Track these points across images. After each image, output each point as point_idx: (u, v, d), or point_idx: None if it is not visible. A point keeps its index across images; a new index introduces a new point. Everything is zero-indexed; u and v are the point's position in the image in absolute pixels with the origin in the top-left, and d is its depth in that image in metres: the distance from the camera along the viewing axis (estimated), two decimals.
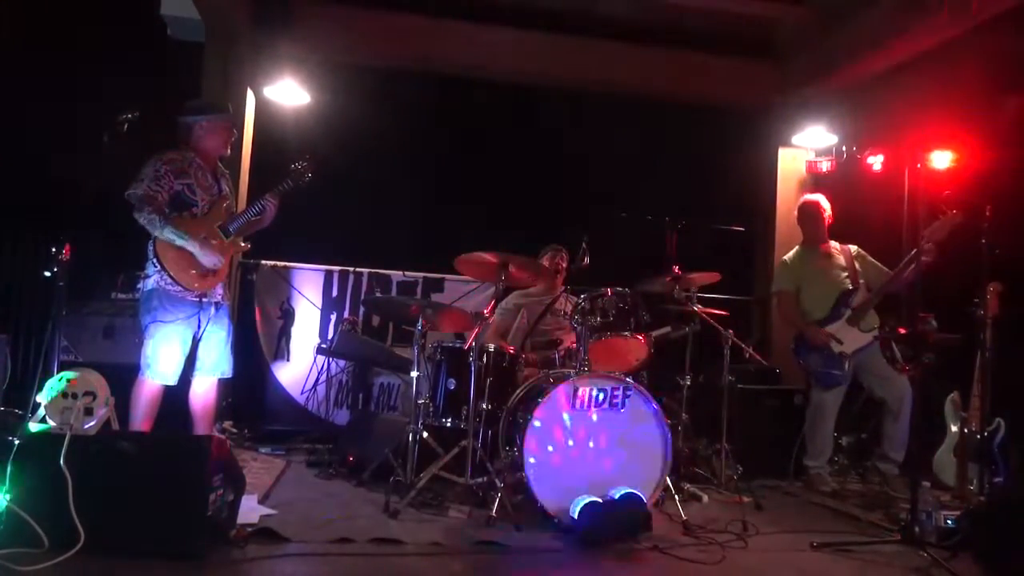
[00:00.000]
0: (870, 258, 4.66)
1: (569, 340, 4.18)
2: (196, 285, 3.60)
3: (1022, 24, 4.42)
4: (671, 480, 3.54)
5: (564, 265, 4.72)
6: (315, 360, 5.47)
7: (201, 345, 3.70)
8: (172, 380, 3.60)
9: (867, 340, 4.44)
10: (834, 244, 4.76)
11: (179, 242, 3.54)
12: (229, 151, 3.89)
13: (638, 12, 5.76)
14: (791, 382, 5.09)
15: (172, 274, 3.54)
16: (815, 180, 6.02)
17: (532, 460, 3.31)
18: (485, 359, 3.82)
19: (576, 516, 3.12)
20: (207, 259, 3.61)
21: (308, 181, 3.88)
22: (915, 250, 3.84)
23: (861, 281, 4.55)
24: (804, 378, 4.72)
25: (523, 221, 6.16)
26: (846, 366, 4.44)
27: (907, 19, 4.74)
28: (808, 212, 4.83)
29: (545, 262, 4.72)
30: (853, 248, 4.71)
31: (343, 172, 5.68)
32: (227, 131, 3.85)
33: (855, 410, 4.91)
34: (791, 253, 4.90)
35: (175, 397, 3.69)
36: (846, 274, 4.60)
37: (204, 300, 3.66)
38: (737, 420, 4.47)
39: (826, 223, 4.76)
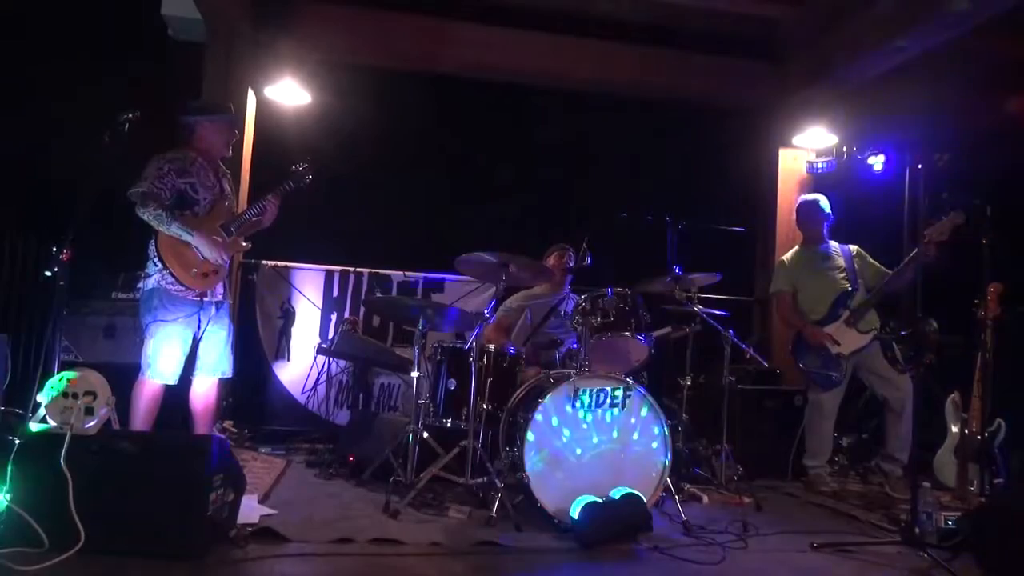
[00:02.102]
0: (869, 258, 4.65)
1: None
2: (197, 284, 3.61)
3: (1021, 25, 4.42)
4: (671, 480, 3.54)
5: (571, 265, 4.71)
6: (315, 360, 5.47)
7: (202, 345, 3.70)
8: (172, 380, 3.60)
9: (865, 341, 4.43)
10: (833, 244, 4.75)
11: (185, 237, 3.55)
12: (230, 152, 3.90)
13: (638, 12, 5.76)
14: (791, 383, 5.08)
15: (174, 273, 3.54)
16: (816, 180, 6.02)
17: (532, 460, 3.31)
18: (485, 359, 3.82)
19: (576, 516, 3.12)
20: (212, 254, 3.61)
21: (308, 182, 3.89)
22: (915, 251, 3.83)
23: (860, 281, 4.54)
24: (803, 379, 4.72)
25: (523, 221, 6.17)
26: (843, 368, 4.43)
27: (907, 19, 4.73)
28: (807, 212, 4.83)
29: (552, 261, 4.73)
30: (853, 248, 4.70)
31: (344, 172, 5.68)
32: (229, 132, 3.86)
33: (856, 410, 4.91)
34: (789, 254, 4.90)
35: (176, 397, 3.69)
36: (844, 274, 4.59)
37: (205, 300, 3.66)
38: (737, 421, 4.48)
39: (825, 223, 4.76)
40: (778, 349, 5.61)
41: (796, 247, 4.90)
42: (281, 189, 3.84)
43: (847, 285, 4.54)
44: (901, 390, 4.38)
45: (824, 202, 4.79)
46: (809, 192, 5.71)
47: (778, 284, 4.83)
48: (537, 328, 4.50)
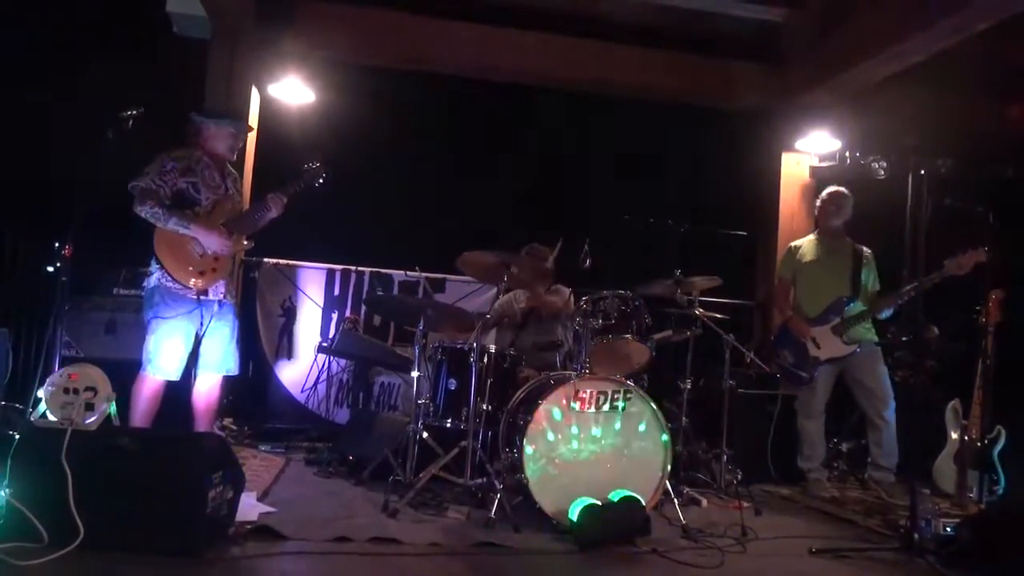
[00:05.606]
0: (875, 271, 4.52)
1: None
2: (194, 283, 3.60)
3: (1022, 29, 4.42)
4: (670, 484, 3.53)
5: (547, 266, 4.58)
6: (316, 359, 5.48)
7: (205, 342, 3.69)
8: (174, 376, 3.60)
9: (846, 351, 4.34)
10: (848, 241, 4.60)
11: (183, 231, 3.54)
12: (234, 157, 3.89)
13: (640, 14, 5.76)
14: (791, 387, 5.07)
15: (170, 272, 3.55)
16: (818, 186, 6.01)
17: (532, 462, 3.30)
18: (486, 360, 3.82)
19: (575, 518, 3.11)
20: (213, 243, 3.60)
21: (321, 183, 3.87)
22: (917, 283, 3.78)
23: (861, 290, 4.43)
24: (777, 370, 4.64)
25: (524, 222, 6.17)
26: (815, 371, 4.38)
27: (909, 23, 4.73)
28: (834, 203, 4.61)
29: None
30: (868, 252, 4.55)
31: (346, 171, 5.68)
32: (232, 138, 3.84)
33: (854, 417, 4.90)
34: (802, 240, 4.78)
35: (177, 393, 3.69)
36: (847, 279, 4.46)
37: (203, 298, 3.65)
38: (737, 425, 4.47)
39: (847, 218, 4.61)
40: None
41: (811, 235, 4.77)
42: (291, 189, 3.82)
43: (847, 292, 4.42)
44: (876, 400, 4.32)
45: (851, 198, 4.62)
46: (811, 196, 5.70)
47: (782, 269, 4.78)
48: (524, 322, 4.48)
